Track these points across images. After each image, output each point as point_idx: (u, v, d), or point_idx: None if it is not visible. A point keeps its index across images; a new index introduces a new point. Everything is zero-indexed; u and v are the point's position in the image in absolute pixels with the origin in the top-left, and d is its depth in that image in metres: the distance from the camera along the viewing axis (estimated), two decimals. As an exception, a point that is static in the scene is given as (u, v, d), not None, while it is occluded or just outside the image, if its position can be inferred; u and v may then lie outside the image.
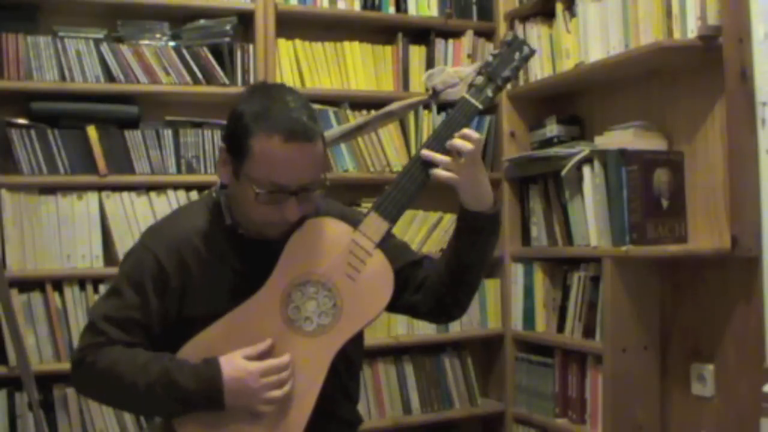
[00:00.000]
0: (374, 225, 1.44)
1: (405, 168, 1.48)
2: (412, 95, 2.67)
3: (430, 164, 1.46)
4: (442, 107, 2.78)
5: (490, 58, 1.55)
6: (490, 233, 1.50)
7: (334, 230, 1.45)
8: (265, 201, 1.38)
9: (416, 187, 1.46)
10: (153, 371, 1.35)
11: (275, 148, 1.35)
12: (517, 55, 1.56)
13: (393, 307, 1.53)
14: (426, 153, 1.45)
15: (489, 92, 1.53)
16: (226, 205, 1.49)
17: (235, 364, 1.35)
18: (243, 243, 1.47)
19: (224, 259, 1.46)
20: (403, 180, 1.46)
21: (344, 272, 1.42)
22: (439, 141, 1.47)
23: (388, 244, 1.51)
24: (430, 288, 1.55)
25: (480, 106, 1.51)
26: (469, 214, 1.47)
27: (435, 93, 1.77)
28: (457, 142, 1.43)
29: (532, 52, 1.58)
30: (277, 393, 1.36)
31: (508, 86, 2.82)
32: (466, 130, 1.44)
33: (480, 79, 1.54)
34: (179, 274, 1.44)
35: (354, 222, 1.47)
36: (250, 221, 1.44)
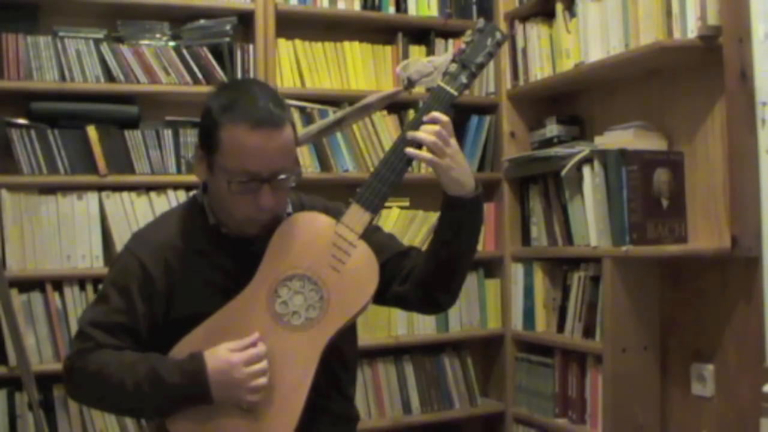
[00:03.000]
0: (356, 216, 1.45)
1: (384, 158, 1.49)
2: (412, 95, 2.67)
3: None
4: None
5: (464, 46, 1.57)
6: (473, 218, 1.52)
7: (317, 224, 1.47)
8: (239, 191, 1.39)
9: (396, 175, 1.47)
10: (140, 370, 1.36)
11: (243, 136, 1.37)
12: (489, 41, 1.57)
13: (382, 299, 1.54)
14: (410, 151, 1.46)
15: (464, 79, 1.54)
16: (210, 205, 1.50)
17: (218, 357, 1.36)
18: (227, 242, 1.48)
19: (209, 260, 1.47)
20: (383, 170, 1.47)
21: (329, 265, 1.43)
22: (416, 129, 1.48)
23: (374, 237, 1.52)
24: (418, 278, 1.55)
25: (455, 93, 1.52)
26: (450, 199, 1.48)
27: (410, 83, 1.78)
28: (417, 135, 1.44)
29: (504, 38, 1.59)
30: (262, 381, 1.36)
31: (508, 86, 2.88)
32: (424, 125, 1.45)
33: (454, 67, 1.55)
34: (165, 277, 1.45)
35: (337, 215, 1.48)
36: (229, 216, 1.45)
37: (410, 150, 1.45)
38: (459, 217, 1.50)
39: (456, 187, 1.47)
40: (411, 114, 2.80)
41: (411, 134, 1.45)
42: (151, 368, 1.36)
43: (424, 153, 1.45)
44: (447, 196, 1.49)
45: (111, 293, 1.44)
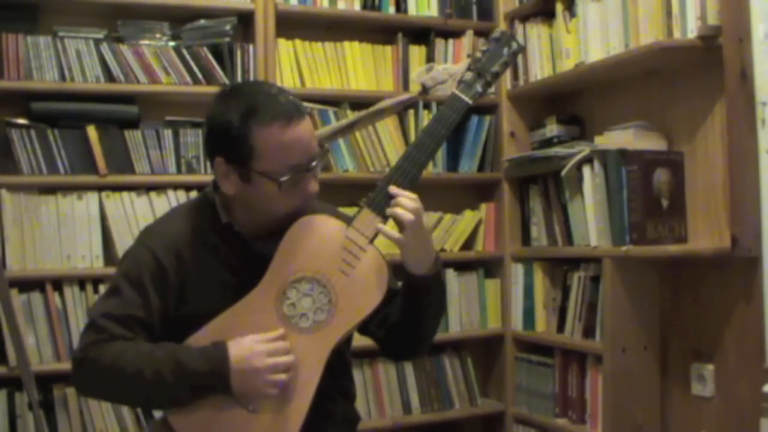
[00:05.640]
0: (367, 221, 1.45)
1: (397, 164, 1.49)
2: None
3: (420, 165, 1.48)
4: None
5: (479, 54, 1.57)
6: (434, 292, 1.51)
7: (327, 227, 1.46)
8: (289, 187, 1.40)
9: (408, 182, 1.47)
10: (159, 357, 1.35)
11: (280, 134, 1.38)
12: (505, 51, 1.57)
13: (362, 329, 1.55)
14: (390, 211, 1.44)
15: (478, 88, 1.54)
16: (222, 204, 1.50)
17: (242, 345, 1.36)
18: (239, 241, 1.48)
19: (221, 258, 1.47)
20: (395, 176, 1.47)
21: (339, 268, 1.43)
22: (430, 137, 1.48)
23: None
24: (391, 328, 1.56)
25: (470, 102, 1.52)
26: (410, 277, 1.48)
27: (425, 89, 1.78)
28: (397, 211, 1.42)
29: (521, 48, 1.60)
30: (282, 376, 1.36)
31: (508, 86, 2.88)
32: (403, 198, 1.43)
33: (469, 75, 1.55)
34: (177, 271, 1.44)
35: (347, 221, 1.48)
36: (272, 217, 1.44)
37: (381, 226, 1.44)
38: (419, 293, 1.49)
39: (415, 266, 1.47)
40: (412, 115, 2.80)
41: (390, 211, 1.43)
42: (170, 355, 1.35)
43: (394, 232, 1.44)
44: (406, 272, 1.48)
45: (124, 286, 1.43)
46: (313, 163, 1.43)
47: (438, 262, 1.50)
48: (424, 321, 1.54)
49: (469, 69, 1.55)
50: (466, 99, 1.52)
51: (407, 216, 1.41)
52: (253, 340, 1.37)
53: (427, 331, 1.57)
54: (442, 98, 1.65)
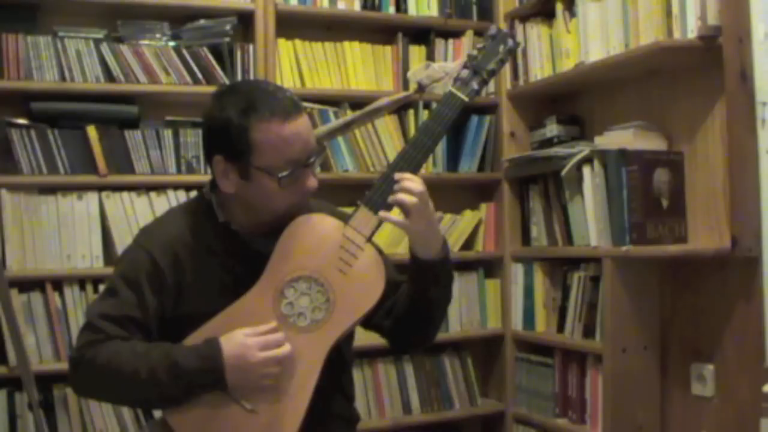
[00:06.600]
0: (364, 219, 1.45)
1: (393, 162, 1.49)
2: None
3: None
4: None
5: (475, 52, 1.57)
6: (440, 278, 1.51)
7: (325, 226, 1.47)
8: (289, 183, 1.40)
9: None
10: (154, 356, 1.36)
11: (278, 129, 1.39)
12: (501, 48, 1.58)
13: (365, 323, 1.55)
14: (383, 215, 1.45)
15: (475, 85, 1.54)
16: (219, 203, 1.50)
17: (234, 340, 1.36)
18: (236, 241, 1.49)
19: (217, 258, 1.47)
20: (392, 174, 1.47)
21: (336, 267, 1.43)
22: (427, 134, 1.49)
23: None
24: (397, 318, 1.56)
25: (466, 99, 1.53)
26: (416, 260, 1.48)
27: (421, 87, 1.79)
28: (400, 197, 1.42)
29: (516, 45, 1.61)
30: (276, 368, 1.37)
31: (508, 86, 2.88)
32: (407, 182, 1.43)
33: (465, 73, 1.55)
34: (174, 272, 1.45)
35: (344, 219, 1.48)
36: (271, 214, 1.45)
37: (385, 214, 1.44)
38: (425, 278, 1.49)
39: (423, 251, 1.47)
40: (412, 115, 2.80)
41: (392, 198, 1.44)
42: (165, 354, 1.36)
43: (399, 218, 1.44)
44: (414, 257, 1.49)
45: (120, 287, 1.43)
46: (311, 159, 1.43)
47: (446, 246, 1.51)
48: (431, 308, 1.54)
49: (465, 67, 1.56)
50: (462, 96, 1.53)
51: (411, 200, 1.41)
52: (244, 334, 1.37)
53: (434, 318, 1.58)
54: (438, 96, 1.66)
